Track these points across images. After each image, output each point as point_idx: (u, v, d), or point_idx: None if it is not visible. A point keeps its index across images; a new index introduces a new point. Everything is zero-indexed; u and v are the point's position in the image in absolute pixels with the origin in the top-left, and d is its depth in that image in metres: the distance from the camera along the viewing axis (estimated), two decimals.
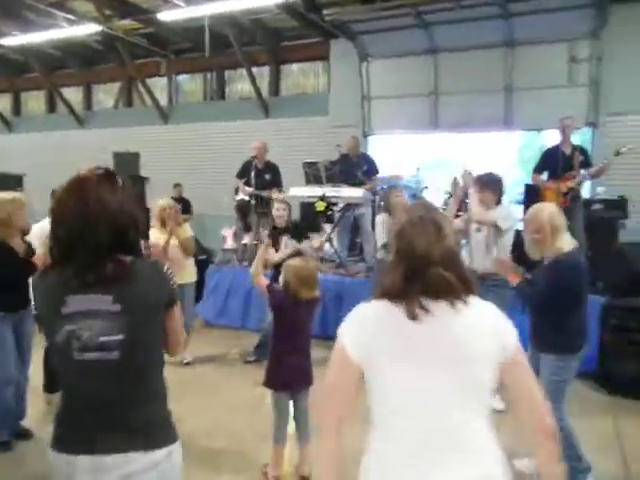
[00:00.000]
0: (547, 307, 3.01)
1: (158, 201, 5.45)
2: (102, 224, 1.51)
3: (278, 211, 5.25)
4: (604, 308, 4.84)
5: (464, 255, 4.50)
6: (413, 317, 1.38)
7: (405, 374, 1.39)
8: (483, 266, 4.12)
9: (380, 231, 5.25)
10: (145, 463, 1.56)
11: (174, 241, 5.16)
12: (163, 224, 5.19)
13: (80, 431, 1.59)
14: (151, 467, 1.57)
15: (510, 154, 9.24)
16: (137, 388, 1.60)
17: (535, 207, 3.17)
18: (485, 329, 1.42)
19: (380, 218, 5.37)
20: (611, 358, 4.74)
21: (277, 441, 3.21)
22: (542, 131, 8.88)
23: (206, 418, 4.10)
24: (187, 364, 5.33)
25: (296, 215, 8.35)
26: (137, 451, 1.55)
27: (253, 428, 3.84)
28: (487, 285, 4.10)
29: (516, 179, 8.75)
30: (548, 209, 3.08)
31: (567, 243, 3.02)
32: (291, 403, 3.25)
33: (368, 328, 1.45)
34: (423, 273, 1.40)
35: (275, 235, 5.14)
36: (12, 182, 6.73)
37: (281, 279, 3.22)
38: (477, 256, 4.31)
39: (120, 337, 1.53)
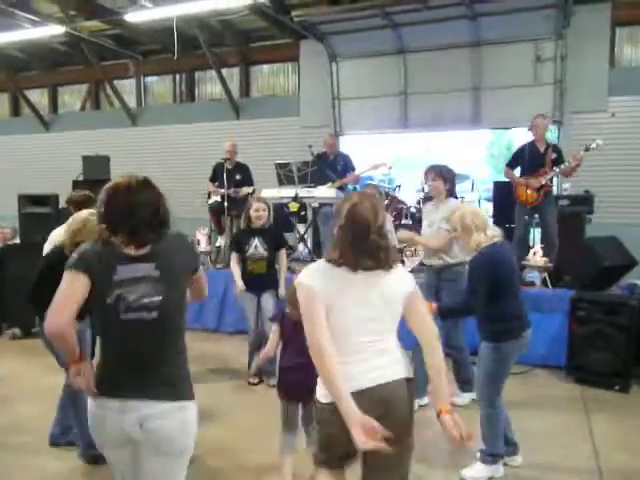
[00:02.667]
0: (474, 298, 3.16)
1: None
2: (144, 207, 1.92)
3: (258, 212, 4.76)
4: (572, 301, 4.96)
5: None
6: (355, 270, 1.98)
7: (347, 308, 1.98)
8: (436, 261, 4.35)
9: None
10: (161, 410, 1.89)
11: None
12: None
13: (114, 379, 1.93)
14: (163, 415, 1.89)
15: (479, 151, 9.42)
16: (168, 345, 1.95)
17: (454, 208, 3.64)
18: (400, 282, 2.08)
19: None
20: (580, 350, 4.86)
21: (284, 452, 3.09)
22: (509, 129, 9.09)
23: None
24: None
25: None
26: (157, 400, 1.89)
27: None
28: (443, 279, 4.32)
29: (485, 176, 8.94)
30: (462, 209, 3.36)
31: (485, 239, 3.17)
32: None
33: (326, 278, 1.99)
34: (365, 239, 1.97)
35: (246, 235, 4.84)
36: None
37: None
38: (428, 252, 4.47)
39: (159, 298, 1.90)
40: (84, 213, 3.48)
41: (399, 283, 2.06)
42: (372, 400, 1.93)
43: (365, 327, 1.99)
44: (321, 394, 2.04)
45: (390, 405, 1.97)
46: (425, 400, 4.13)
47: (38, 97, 13.80)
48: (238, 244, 4.92)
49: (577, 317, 4.89)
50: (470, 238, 3.20)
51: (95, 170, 7.17)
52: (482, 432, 3.22)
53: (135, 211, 1.90)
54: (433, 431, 3.38)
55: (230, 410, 4.28)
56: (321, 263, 2.05)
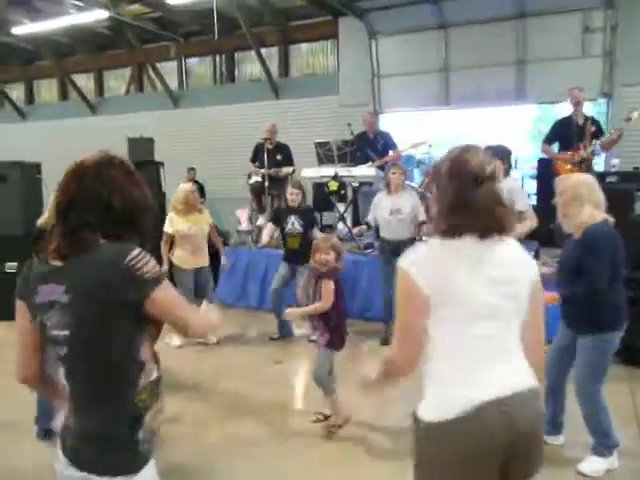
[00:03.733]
0: (581, 282, 2.92)
1: (180, 186, 5.55)
2: (87, 199, 1.43)
3: (292, 195, 5.42)
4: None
5: None
6: (477, 235, 1.54)
7: (465, 304, 1.53)
8: None
9: (373, 208, 5.35)
10: None
11: (195, 227, 5.31)
12: (187, 208, 5.30)
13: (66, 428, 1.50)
14: None
15: (524, 128, 9.16)
16: (88, 393, 1.42)
17: (567, 175, 3.24)
18: (523, 261, 1.64)
19: (378, 196, 5.41)
20: (629, 330, 4.73)
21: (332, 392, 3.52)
22: (556, 103, 8.80)
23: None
24: (216, 343, 5.44)
25: (309, 195, 8.42)
26: (80, 470, 1.39)
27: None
28: None
29: (531, 153, 8.71)
30: (575, 177, 3.09)
31: (594, 216, 2.93)
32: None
33: (432, 264, 1.56)
34: (475, 190, 1.52)
35: (285, 213, 5.48)
36: (30, 170, 6.80)
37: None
38: None
39: (66, 332, 1.39)
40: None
41: (524, 264, 1.63)
42: (503, 417, 1.50)
43: (485, 320, 1.54)
44: (428, 408, 1.56)
45: (523, 424, 1.53)
46: (560, 439, 3.40)
47: (84, 81, 14.17)
48: (277, 218, 5.62)
49: (627, 298, 4.75)
50: (581, 209, 2.92)
51: (140, 152, 7.36)
52: (590, 427, 3.09)
53: (72, 204, 1.43)
54: None
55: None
56: (429, 242, 1.64)
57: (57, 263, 1.42)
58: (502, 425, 1.49)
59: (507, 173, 4.50)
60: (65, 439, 1.45)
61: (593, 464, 3.08)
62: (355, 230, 6.20)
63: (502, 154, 4.43)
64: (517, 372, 1.57)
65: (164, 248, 5.30)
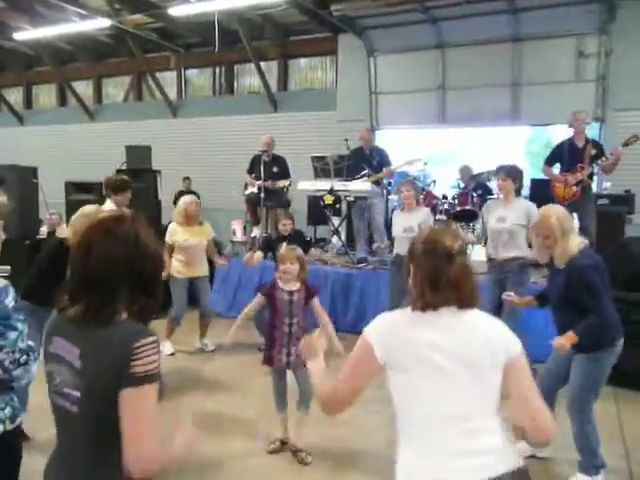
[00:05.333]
0: (572, 307, 3.00)
1: (184, 197, 5.70)
2: (115, 269, 1.42)
3: (285, 226, 5.53)
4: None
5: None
6: (434, 309, 1.60)
7: (428, 378, 1.57)
8: (503, 254, 4.54)
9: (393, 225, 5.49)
10: None
11: (198, 238, 5.44)
12: (186, 220, 5.39)
13: (46, 473, 1.54)
14: None
15: (517, 148, 9.30)
16: (85, 450, 1.44)
17: (543, 211, 3.20)
18: (497, 336, 1.63)
19: (395, 213, 5.66)
20: None
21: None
22: (549, 125, 8.94)
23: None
24: (211, 351, 5.62)
25: (304, 208, 8.48)
26: None
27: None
28: (506, 271, 4.48)
29: (524, 174, 8.80)
30: (556, 213, 3.10)
31: (577, 243, 3.03)
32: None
33: (395, 333, 1.63)
34: (447, 267, 1.59)
35: (277, 241, 5.45)
36: (27, 174, 6.82)
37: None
38: (498, 246, 4.61)
39: (77, 394, 1.42)
40: (91, 208, 3.47)
41: (495, 337, 1.61)
42: None
43: (443, 397, 1.55)
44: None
45: None
46: (546, 452, 3.46)
47: (83, 88, 14.23)
48: (268, 247, 5.63)
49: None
50: (567, 241, 3.01)
51: (138, 159, 7.40)
52: (579, 445, 3.13)
53: (86, 258, 1.43)
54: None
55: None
56: (398, 312, 1.71)
57: (73, 317, 1.43)
58: None
59: (518, 193, 4.62)
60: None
61: None
62: (375, 246, 6.32)
63: (513, 174, 4.57)
64: (483, 459, 1.52)
65: (165, 256, 5.35)
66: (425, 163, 8.11)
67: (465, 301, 1.61)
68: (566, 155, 5.89)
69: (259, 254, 5.55)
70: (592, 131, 8.29)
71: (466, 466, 1.50)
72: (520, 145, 9.34)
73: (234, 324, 3.55)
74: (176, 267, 5.42)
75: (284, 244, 5.32)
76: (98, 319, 1.41)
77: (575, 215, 6.09)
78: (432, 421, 1.55)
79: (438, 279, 1.59)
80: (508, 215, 4.55)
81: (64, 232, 3.62)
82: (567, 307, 3.07)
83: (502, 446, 1.55)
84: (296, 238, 5.51)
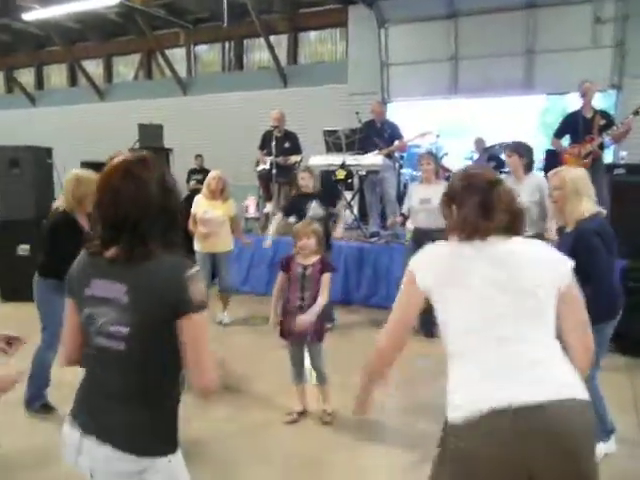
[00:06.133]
0: (577, 273, 2.99)
1: (211, 172, 5.78)
2: (132, 199, 1.46)
3: (303, 180, 5.32)
4: (622, 271, 4.88)
5: None
6: (481, 239, 1.57)
7: (479, 299, 1.53)
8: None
9: (407, 199, 5.44)
10: (118, 466, 1.48)
11: (219, 212, 5.46)
12: (212, 194, 5.45)
13: (87, 412, 1.56)
14: (123, 474, 1.49)
15: (531, 119, 9.16)
16: (138, 386, 1.51)
17: (562, 168, 3.19)
18: (543, 258, 1.60)
19: (411, 185, 5.62)
20: (627, 320, 4.78)
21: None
22: (565, 94, 8.77)
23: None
24: (226, 325, 5.68)
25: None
26: (118, 450, 1.47)
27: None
28: None
29: (538, 145, 8.70)
30: (574, 171, 3.10)
31: (589, 209, 2.98)
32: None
33: (435, 262, 1.62)
34: (492, 194, 1.59)
35: (302, 200, 5.27)
36: (42, 154, 6.89)
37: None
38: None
39: (127, 330, 1.46)
40: (72, 172, 3.55)
41: (547, 263, 1.58)
42: (517, 428, 1.41)
43: (495, 321, 1.51)
44: (449, 405, 1.53)
45: (557, 440, 1.42)
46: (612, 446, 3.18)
47: (94, 67, 14.22)
48: (293, 208, 5.37)
49: (626, 288, 4.79)
50: (578, 203, 2.97)
51: (150, 138, 7.43)
52: None
53: (116, 201, 1.47)
54: None
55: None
56: (442, 243, 1.67)
57: (114, 257, 1.47)
58: (507, 439, 1.42)
59: (529, 168, 4.53)
60: (95, 418, 1.53)
61: (597, 449, 3.13)
62: (389, 221, 6.27)
63: (519, 150, 4.49)
64: (543, 380, 1.47)
65: (191, 225, 5.47)
66: (437, 136, 8.03)
67: (514, 227, 1.60)
68: (575, 127, 5.81)
69: (269, 241, 5.54)
70: (608, 98, 8.16)
71: (529, 384, 1.45)
72: (534, 116, 9.19)
73: (272, 310, 3.54)
74: (196, 239, 5.49)
75: (313, 202, 5.22)
76: (139, 256, 1.45)
77: None
78: (488, 341, 1.51)
79: (487, 205, 1.57)
80: (520, 193, 4.48)
81: (57, 202, 3.65)
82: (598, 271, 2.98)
83: (566, 374, 1.52)
84: (324, 196, 5.37)
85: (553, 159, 7.04)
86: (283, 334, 3.54)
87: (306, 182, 5.28)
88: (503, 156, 7.31)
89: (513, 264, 1.55)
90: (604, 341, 3.06)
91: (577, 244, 2.91)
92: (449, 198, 1.69)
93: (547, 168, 7.39)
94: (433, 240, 1.68)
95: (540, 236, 4.45)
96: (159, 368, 1.51)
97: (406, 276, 1.64)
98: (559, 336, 1.59)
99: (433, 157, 5.45)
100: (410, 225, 5.56)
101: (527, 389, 1.44)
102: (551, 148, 7.20)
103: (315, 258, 3.49)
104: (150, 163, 1.53)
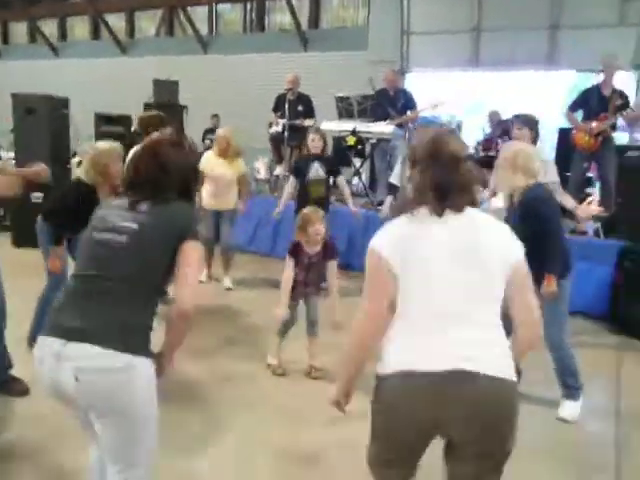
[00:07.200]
0: (529, 240, 3.09)
1: (220, 129, 5.78)
2: (161, 182, 1.83)
3: (314, 141, 5.25)
4: (620, 252, 4.91)
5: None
6: (439, 214, 1.57)
7: (428, 270, 1.56)
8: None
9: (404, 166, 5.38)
10: (100, 362, 1.60)
11: (219, 170, 5.39)
12: (220, 152, 5.42)
13: (61, 309, 1.71)
14: (105, 370, 1.60)
15: (559, 95, 8.90)
16: (131, 284, 1.70)
17: (512, 142, 3.51)
18: (497, 237, 1.63)
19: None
20: (623, 301, 4.84)
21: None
22: (594, 72, 8.53)
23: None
24: (229, 289, 5.61)
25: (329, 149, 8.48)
26: (96, 345, 1.59)
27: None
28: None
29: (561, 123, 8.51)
30: (519, 146, 3.28)
31: (524, 182, 3.13)
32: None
33: (397, 239, 1.61)
34: (454, 170, 1.57)
35: (306, 161, 5.30)
36: (58, 104, 6.99)
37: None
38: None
39: (136, 227, 1.72)
40: (89, 147, 3.68)
41: (502, 242, 1.62)
42: (441, 391, 1.49)
43: (450, 290, 1.55)
44: (381, 362, 1.62)
45: (479, 412, 1.49)
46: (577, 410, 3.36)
47: (116, 21, 14.20)
48: (298, 170, 5.40)
49: (623, 268, 4.84)
50: (517, 177, 3.12)
51: (165, 94, 7.49)
52: (560, 370, 3.31)
53: (137, 174, 1.86)
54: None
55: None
56: (395, 220, 1.67)
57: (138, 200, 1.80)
58: (428, 398, 1.49)
59: (534, 142, 4.49)
60: (80, 322, 1.65)
61: (570, 409, 3.29)
62: None
63: (529, 123, 4.45)
64: (477, 355, 1.50)
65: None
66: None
67: (472, 203, 1.61)
68: (591, 102, 5.73)
69: (277, 212, 5.56)
70: (630, 79, 7.99)
71: (463, 355, 1.49)
72: (562, 92, 8.93)
73: (282, 294, 3.54)
74: (205, 198, 5.46)
75: (315, 164, 5.22)
76: (158, 201, 1.79)
77: (594, 165, 6.01)
78: (433, 311, 1.55)
79: (446, 186, 1.56)
80: None
81: (77, 171, 3.78)
82: (525, 241, 3.12)
83: (497, 353, 1.54)
84: (328, 159, 5.37)
85: (565, 137, 6.97)
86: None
87: (316, 143, 5.23)
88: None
89: (468, 242, 1.57)
90: (566, 297, 3.23)
91: (525, 212, 3.09)
92: (412, 161, 1.67)
93: (559, 145, 7.34)
94: None
95: None
96: (149, 274, 1.73)
97: (371, 256, 1.62)
98: (506, 312, 1.62)
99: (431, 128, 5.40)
100: None
101: (458, 359, 1.49)
102: (564, 127, 7.12)
103: (319, 247, 3.55)
104: (184, 143, 1.99)
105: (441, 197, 1.56)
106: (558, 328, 3.24)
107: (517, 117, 4.64)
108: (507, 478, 1.64)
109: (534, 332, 1.66)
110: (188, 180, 1.93)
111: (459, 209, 1.57)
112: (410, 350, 1.55)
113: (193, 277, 1.78)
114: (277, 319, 3.58)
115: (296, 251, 3.54)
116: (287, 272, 3.54)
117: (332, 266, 3.57)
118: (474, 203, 1.62)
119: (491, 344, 1.55)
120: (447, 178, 1.56)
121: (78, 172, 3.76)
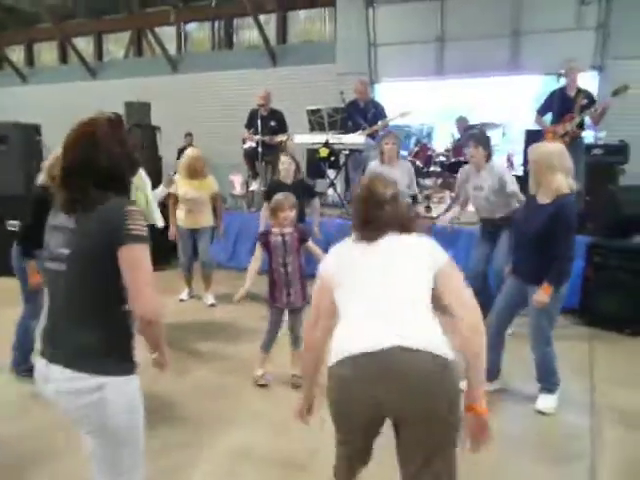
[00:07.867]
0: (547, 242, 3.18)
1: (188, 151, 5.72)
2: (90, 161, 1.67)
3: (283, 165, 5.20)
4: (589, 247, 5.07)
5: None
6: (368, 240, 1.89)
7: (361, 279, 1.85)
8: (490, 216, 4.66)
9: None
10: (73, 384, 1.63)
11: (193, 192, 5.46)
12: (189, 174, 5.44)
13: (48, 341, 1.74)
14: (77, 392, 1.63)
15: (526, 99, 9.09)
16: (81, 307, 1.66)
17: (541, 142, 3.50)
18: (420, 248, 1.90)
19: (372, 164, 5.53)
20: (593, 294, 5.00)
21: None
22: (558, 76, 8.76)
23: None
24: (212, 305, 5.65)
25: (302, 162, 8.57)
26: (68, 368, 1.63)
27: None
28: (499, 226, 4.59)
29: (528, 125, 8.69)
30: (551, 146, 3.35)
31: (566, 185, 3.20)
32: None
33: (337, 257, 1.97)
34: (379, 209, 1.90)
35: (277, 189, 4.98)
36: (30, 131, 6.98)
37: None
38: (482, 211, 4.74)
39: (68, 251, 1.64)
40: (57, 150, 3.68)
41: (424, 251, 1.87)
42: (377, 366, 1.66)
43: (377, 293, 1.80)
44: (330, 354, 1.83)
45: (404, 377, 1.65)
46: (493, 386, 3.55)
47: (84, 45, 14.18)
48: (269, 194, 5.30)
49: (593, 263, 5.01)
50: (552, 178, 3.20)
51: (137, 116, 7.52)
52: (542, 368, 3.42)
53: (67, 151, 1.71)
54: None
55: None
56: (343, 243, 2.00)
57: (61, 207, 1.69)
58: (365, 378, 1.68)
59: (489, 159, 4.60)
60: (54, 346, 1.70)
61: (547, 401, 3.41)
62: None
63: (482, 141, 4.59)
64: (402, 333, 1.68)
65: (170, 208, 5.53)
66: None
67: (401, 231, 1.90)
68: (557, 104, 5.92)
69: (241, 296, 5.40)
70: (590, 80, 8.26)
71: (379, 335, 1.70)
72: (529, 96, 9.10)
73: (247, 279, 3.68)
74: (179, 216, 5.54)
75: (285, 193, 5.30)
76: (87, 204, 1.65)
77: None
78: (362, 315, 1.80)
79: (370, 223, 1.90)
80: (483, 184, 4.56)
81: (40, 177, 3.71)
82: (540, 244, 3.23)
83: (427, 333, 1.72)
84: (297, 186, 5.07)
85: (532, 139, 7.15)
86: (272, 299, 3.76)
87: (286, 167, 5.18)
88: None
89: (389, 257, 1.85)
90: (563, 297, 3.34)
91: (557, 216, 3.15)
92: (352, 199, 2.07)
93: (527, 148, 7.51)
94: None
95: (507, 219, 4.53)
96: (99, 292, 1.65)
97: (320, 278, 1.97)
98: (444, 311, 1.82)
99: (396, 138, 5.48)
100: None
101: (389, 337, 1.68)
102: (530, 129, 7.32)
103: (291, 228, 3.68)
104: (106, 126, 1.77)
105: (369, 228, 1.90)
106: (548, 323, 3.34)
107: (472, 136, 4.85)
108: (487, 467, 1.73)
109: (474, 316, 1.79)
110: (122, 167, 1.73)
111: (382, 236, 1.88)
112: (346, 340, 1.77)
113: (143, 280, 1.62)
114: (239, 295, 3.69)
115: (266, 238, 3.68)
116: (255, 257, 3.73)
117: (309, 244, 3.75)
118: (405, 229, 1.91)
119: (420, 327, 1.73)
120: (373, 215, 1.90)
121: (40, 177, 3.74)
